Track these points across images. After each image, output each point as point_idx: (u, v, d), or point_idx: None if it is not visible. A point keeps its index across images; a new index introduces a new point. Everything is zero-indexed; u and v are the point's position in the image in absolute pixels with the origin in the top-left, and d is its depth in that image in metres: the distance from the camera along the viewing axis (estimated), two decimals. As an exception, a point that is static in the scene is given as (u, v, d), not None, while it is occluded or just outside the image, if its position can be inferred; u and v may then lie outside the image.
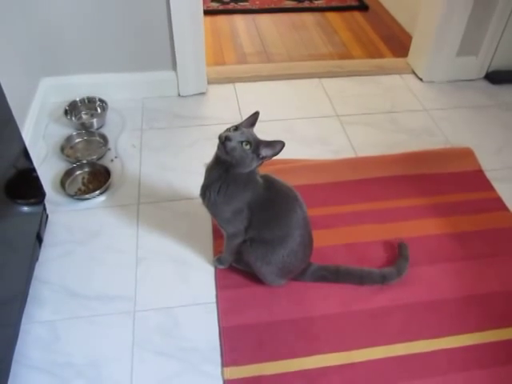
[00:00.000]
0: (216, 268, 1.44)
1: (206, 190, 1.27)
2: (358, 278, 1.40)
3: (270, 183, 1.29)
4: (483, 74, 2.34)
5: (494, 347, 1.28)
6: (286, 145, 1.17)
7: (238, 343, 1.26)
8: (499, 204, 1.68)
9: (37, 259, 1.42)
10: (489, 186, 1.74)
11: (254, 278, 1.38)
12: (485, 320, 1.33)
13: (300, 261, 1.34)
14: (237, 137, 1.15)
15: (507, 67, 2.34)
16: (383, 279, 1.39)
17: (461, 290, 1.41)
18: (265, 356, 1.24)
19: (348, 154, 1.88)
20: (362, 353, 1.25)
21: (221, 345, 1.26)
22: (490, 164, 1.84)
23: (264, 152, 1.18)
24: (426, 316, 1.34)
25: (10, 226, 1.24)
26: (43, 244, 1.48)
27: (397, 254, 1.46)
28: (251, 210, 1.26)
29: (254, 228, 1.28)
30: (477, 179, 1.77)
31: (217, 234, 1.52)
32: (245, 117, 1.24)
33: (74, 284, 1.39)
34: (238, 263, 1.42)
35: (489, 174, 1.79)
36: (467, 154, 1.86)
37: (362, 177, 1.76)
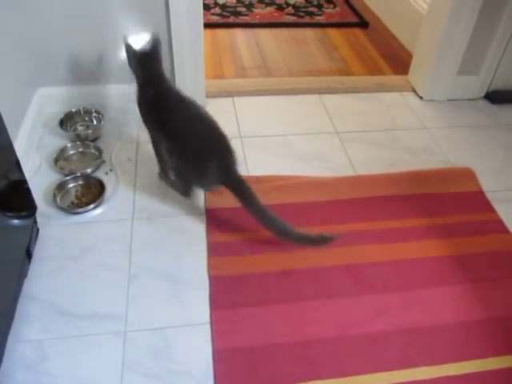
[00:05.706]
0: (210, 285, 1.39)
1: None
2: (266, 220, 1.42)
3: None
4: (483, 93, 2.33)
5: (498, 375, 1.23)
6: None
7: (231, 367, 1.22)
8: (500, 226, 1.65)
9: (26, 275, 1.38)
10: (490, 208, 1.71)
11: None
12: (488, 346, 1.29)
13: (207, 157, 1.46)
14: None
15: (507, 87, 2.33)
16: (284, 234, 1.42)
17: (462, 314, 1.37)
18: (259, 382, 1.19)
19: (347, 171, 1.85)
20: (360, 379, 1.21)
21: (214, 369, 1.21)
22: (490, 185, 1.81)
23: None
24: (427, 342, 1.30)
25: (-2, 240, 1.20)
26: (33, 259, 1.43)
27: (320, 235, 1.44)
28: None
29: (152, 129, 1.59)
30: (477, 200, 1.74)
31: (212, 251, 1.48)
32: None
33: (64, 301, 1.35)
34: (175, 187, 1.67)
35: (489, 196, 1.76)
36: (468, 175, 1.84)
37: (361, 195, 1.72)
